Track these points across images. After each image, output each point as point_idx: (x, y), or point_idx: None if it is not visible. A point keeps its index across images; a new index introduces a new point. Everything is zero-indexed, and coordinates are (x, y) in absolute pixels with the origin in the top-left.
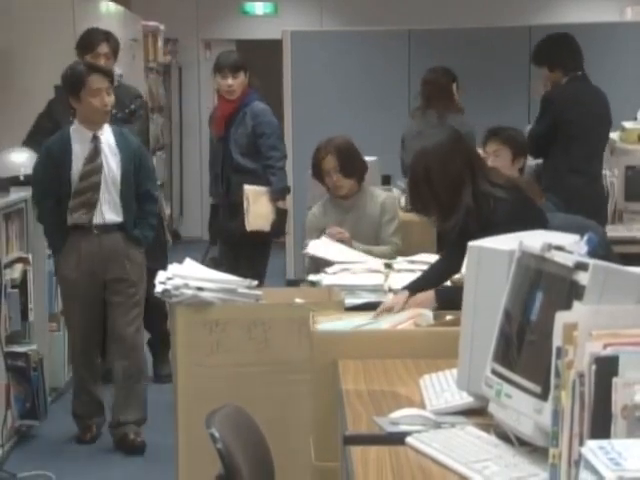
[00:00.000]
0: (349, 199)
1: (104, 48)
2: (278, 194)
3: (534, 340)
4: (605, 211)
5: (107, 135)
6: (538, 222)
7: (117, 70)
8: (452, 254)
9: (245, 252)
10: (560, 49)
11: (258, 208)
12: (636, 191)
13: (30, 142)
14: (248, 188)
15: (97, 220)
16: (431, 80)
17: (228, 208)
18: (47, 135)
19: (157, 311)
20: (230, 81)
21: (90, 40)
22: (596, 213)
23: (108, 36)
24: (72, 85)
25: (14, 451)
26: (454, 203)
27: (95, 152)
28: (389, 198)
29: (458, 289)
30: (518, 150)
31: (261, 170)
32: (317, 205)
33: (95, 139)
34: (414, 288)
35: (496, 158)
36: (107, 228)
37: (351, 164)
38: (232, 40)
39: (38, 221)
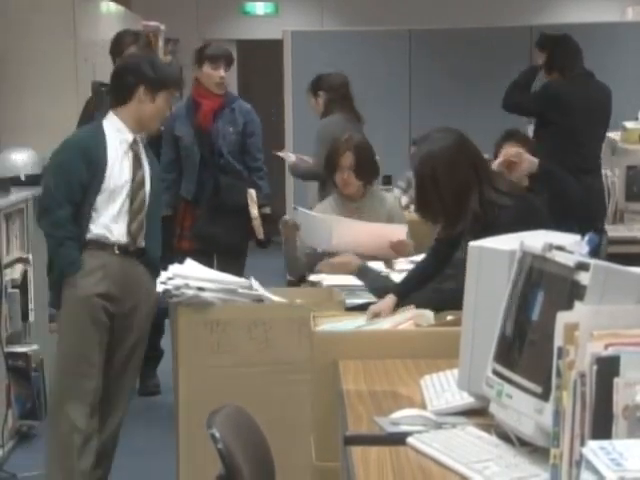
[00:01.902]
0: (356, 201)
1: (132, 51)
2: (267, 199)
3: (535, 340)
4: (603, 209)
5: (141, 144)
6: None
7: None
8: (438, 253)
9: (227, 262)
10: (557, 51)
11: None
12: (637, 191)
13: None
14: (253, 192)
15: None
16: (347, 84)
17: (214, 213)
18: None
19: (154, 327)
20: (223, 73)
21: (118, 44)
22: (594, 212)
23: (137, 38)
24: (163, 79)
25: (14, 451)
26: (461, 209)
27: (137, 162)
28: (395, 207)
29: (411, 280)
30: (533, 154)
31: (245, 172)
32: (323, 202)
33: (135, 144)
34: (401, 291)
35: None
36: (129, 251)
37: (365, 166)
38: (232, 40)
39: (48, 230)
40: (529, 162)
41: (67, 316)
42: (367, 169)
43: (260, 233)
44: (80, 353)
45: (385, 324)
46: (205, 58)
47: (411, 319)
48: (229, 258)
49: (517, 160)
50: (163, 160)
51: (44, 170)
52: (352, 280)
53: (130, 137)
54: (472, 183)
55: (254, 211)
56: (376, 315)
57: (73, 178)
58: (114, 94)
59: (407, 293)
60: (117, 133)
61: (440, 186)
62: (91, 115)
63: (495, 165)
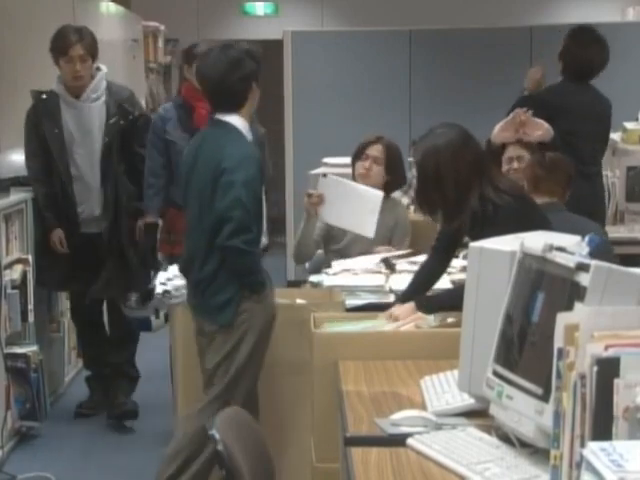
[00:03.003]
0: None
1: (77, 50)
2: None
3: (535, 341)
4: (603, 213)
5: None
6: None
7: (103, 68)
8: (438, 253)
9: None
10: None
11: None
12: (637, 192)
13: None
14: None
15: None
16: None
17: None
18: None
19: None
20: None
21: (62, 43)
22: (595, 215)
23: (81, 35)
24: (260, 63)
25: (14, 452)
26: (461, 204)
27: None
28: (403, 216)
29: (438, 298)
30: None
31: None
32: None
33: None
34: (407, 296)
35: (520, 163)
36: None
37: (395, 162)
38: (232, 40)
39: (246, 247)
40: (545, 129)
41: (261, 329)
42: (397, 166)
43: None
44: (258, 367)
45: (386, 325)
46: (196, 57)
47: (412, 320)
48: None
49: (524, 119)
50: (151, 164)
51: (226, 186)
52: (353, 280)
53: (251, 135)
54: (474, 178)
55: None
56: (394, 319)
57: (258, 192)
58: (229, 104)
59: (413, 297)
60: (248, 133)
61: (443, 180)
62: (37, 125)
63: (504, 122)
